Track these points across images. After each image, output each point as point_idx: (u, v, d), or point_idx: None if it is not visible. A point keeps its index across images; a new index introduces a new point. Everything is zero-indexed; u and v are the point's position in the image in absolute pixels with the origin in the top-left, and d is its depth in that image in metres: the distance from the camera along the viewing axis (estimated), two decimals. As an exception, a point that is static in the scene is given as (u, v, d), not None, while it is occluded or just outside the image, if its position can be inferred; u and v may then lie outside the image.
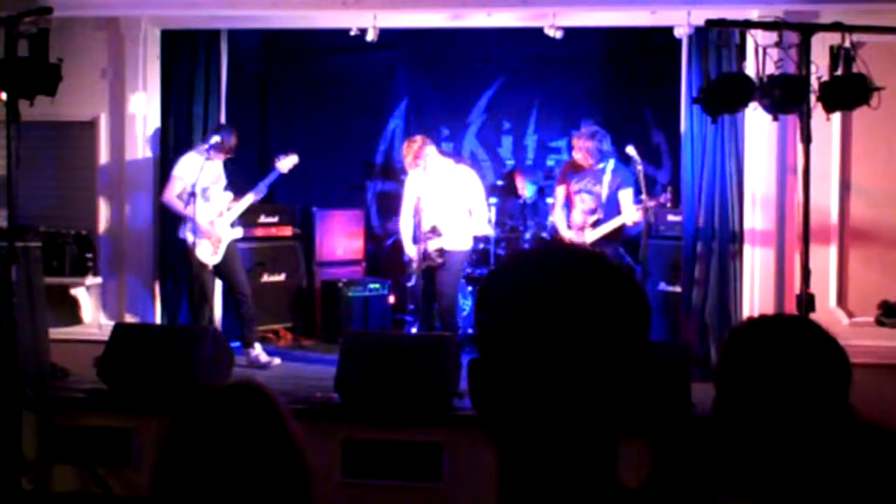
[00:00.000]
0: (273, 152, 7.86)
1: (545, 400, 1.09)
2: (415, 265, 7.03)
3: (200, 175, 6.90)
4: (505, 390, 1.11)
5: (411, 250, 7.05)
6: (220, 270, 7.15)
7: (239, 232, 7.29)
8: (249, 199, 7.17)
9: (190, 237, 6.98)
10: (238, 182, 7.28)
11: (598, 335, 1.09)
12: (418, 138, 7.04)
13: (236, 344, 7.16)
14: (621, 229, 7.02)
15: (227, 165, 7.20)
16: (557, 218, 7.31)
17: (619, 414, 1.11)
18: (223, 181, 7.17)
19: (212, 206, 7.08)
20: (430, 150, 6.99)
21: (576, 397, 1.09)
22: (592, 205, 7.06)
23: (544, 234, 8.06)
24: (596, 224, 7.00)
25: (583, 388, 1.09)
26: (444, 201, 7.00)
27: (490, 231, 8.03)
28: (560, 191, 7.31)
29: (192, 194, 6.88)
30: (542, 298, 1.09)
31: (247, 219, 7.71)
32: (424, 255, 6.97)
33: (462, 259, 7.21)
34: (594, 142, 7.00)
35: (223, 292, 7.58)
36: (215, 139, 6.99)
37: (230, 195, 7.17)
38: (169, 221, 7.39)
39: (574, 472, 1.11)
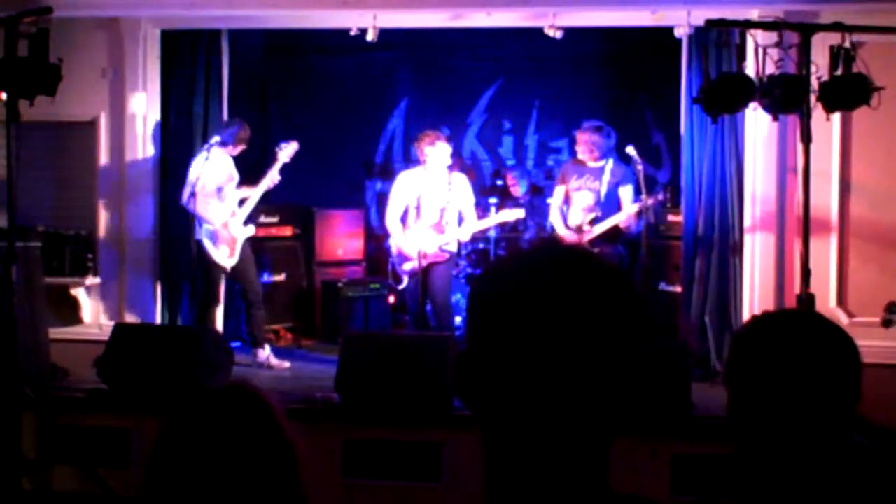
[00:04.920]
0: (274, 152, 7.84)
1: (533, 397, 1.09)
2: (410, 265, 7.01)
3: (216, 173, 6.85)
4: (492, 386, 1.12)
5: (410, 249, 7.03)
6: (235, 271, 7.03)
7: (251, 230, 7.13)
8: (258, 193, 7.01)
9: (208, 241, 6.91)
10: (243, 184, 7.23)
11: (589, 333, 1.09)
12: (442, 135, 7.11)
13: (236, 344, 7.14)
14: (620, 230, 7.01)
15: (237, 164, 7.13)
16: (555, 218, 7.31)
17: (608, 413, 1.11)
18: (236, 178, 7.06)
19: (226, 206, 6.99)
20: (446, 148, 7.02)
21: (564, 395, 1.09)
22: (591, 202, 7.05)
23: (545, 234, 8.04)
24: (594, 222, 7.00)
25: (572, 386, 1.09)
26: (443, 203, 7.02)
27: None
28: (559, 190, 7.30)
29: (193, 194, 6.83)
30: (533, 297, 1.10)
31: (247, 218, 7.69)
32: (426, 254, 6.95)
33: (454, 260, 7.32)
34: (600, 136, 7.00)
35: (224, 291, 7.55)
36: (230, 130, 6.95)
37: (242, 193, 7.06)
38: (171, 221, 7.38)
39: (560, 469, 1.11)
